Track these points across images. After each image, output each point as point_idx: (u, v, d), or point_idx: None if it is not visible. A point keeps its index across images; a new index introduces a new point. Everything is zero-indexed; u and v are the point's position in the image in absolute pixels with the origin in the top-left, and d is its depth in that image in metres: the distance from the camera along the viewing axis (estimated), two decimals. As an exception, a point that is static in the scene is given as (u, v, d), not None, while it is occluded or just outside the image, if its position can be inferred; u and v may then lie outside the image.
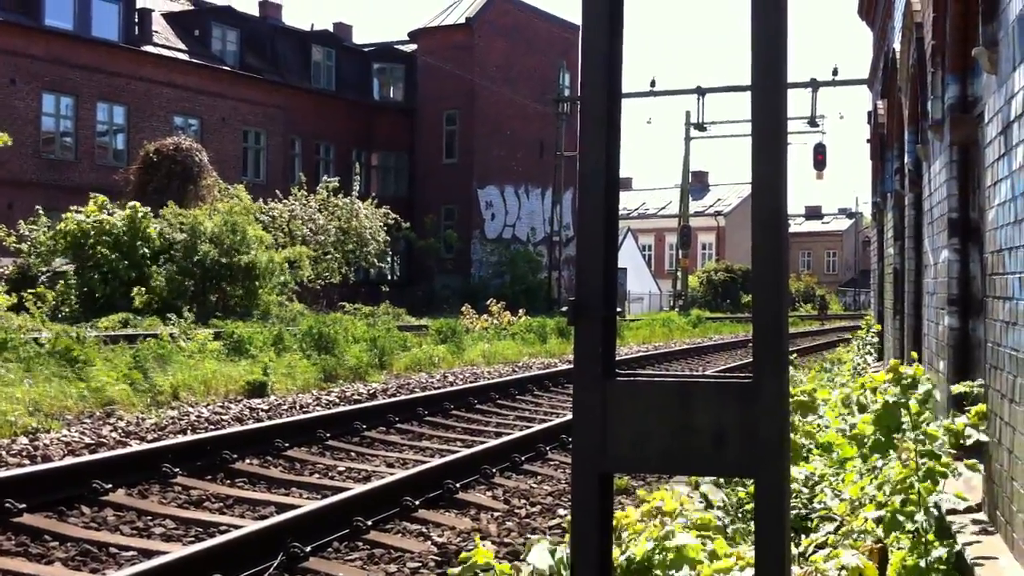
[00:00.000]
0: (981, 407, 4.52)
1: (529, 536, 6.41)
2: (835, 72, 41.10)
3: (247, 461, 8.49)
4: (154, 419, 10.32)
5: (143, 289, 21.55)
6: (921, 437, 4.28)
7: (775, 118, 2.07)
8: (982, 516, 5.07)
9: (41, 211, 24.38)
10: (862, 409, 4.91)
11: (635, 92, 42.39)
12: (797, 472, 5.27)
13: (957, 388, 4.70)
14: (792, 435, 5.58)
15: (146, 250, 23.33)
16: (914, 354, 4.55)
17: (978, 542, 4.60)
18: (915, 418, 4.29)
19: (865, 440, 4.46)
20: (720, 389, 2.14)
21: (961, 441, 4.52)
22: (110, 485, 7.04)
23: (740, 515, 5.11)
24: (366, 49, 49.58)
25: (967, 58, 5.96)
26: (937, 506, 4.27)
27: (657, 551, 3.71)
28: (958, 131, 6.57)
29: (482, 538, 6.38)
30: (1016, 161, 4.11)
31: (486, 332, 23.95)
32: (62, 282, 21.90)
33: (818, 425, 6.40)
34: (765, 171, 2.08)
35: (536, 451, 9.49)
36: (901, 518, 4.18)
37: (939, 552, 4.11)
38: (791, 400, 5.76)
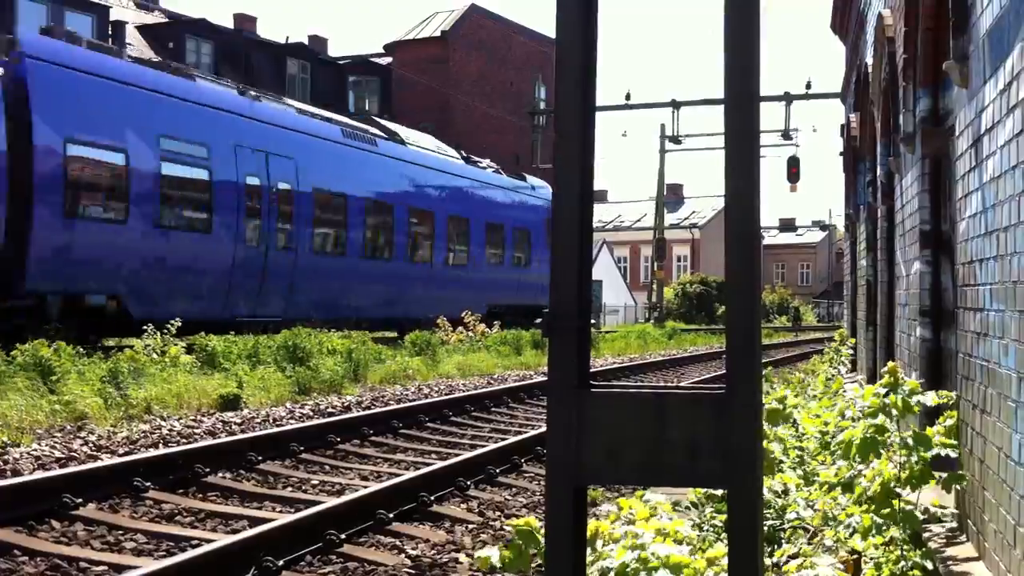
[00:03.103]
0: (952, 413, 4.55)
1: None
2: (808, 86, 41.42)
3: (220, 475, 8.42)
4: (126, 433, 10.23)
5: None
6: (909, 442, 4.30)
7: (748, 132, 2.09)
8: (953, 525, 5.11)
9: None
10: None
11: (610, 105, 42.54)
12: (770, 482, 5.29)
13: (932, 399, 4.73)
14: (765, 444, 5.59)
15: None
16: (894, 365, 4.57)
17: (950, 551, 4.63)
18: (914, 435, 4.32)
19: (852, 441, 4.47)
20: (694, 401, 2.14)
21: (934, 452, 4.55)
22: (80, 499, 6.97)
23: (711, 528, 5.12)
24: (341, 62, 49.54)
25: (938, 72, 6.03)
26: (912, 514, 4.29)
27: (637, 561, 3.69)
28: (929, 144, 6.64)
29: (456, 551, 6.36)
30: (987, 174, 4.15)
31: (461, 344, 23.93)
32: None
33: (794, 433, 6.43)
34: (738, 185, 2.09)
35: (511, 463, 9.47)
36: (881, 522, 4.20)
37: (915, 560, 4.13)
38: (765, 409, 5.78)
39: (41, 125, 15.94)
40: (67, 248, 16.43)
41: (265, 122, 21.47)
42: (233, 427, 11.10)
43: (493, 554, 3.70)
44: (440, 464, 8.70)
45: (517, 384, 16.74)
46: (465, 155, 31.79)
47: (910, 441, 4.28)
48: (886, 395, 4.41)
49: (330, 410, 12.97)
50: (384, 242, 25.40)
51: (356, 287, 24.04)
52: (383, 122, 29.28)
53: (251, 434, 9.85)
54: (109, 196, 17.60)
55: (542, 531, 3.71)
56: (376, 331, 24.00)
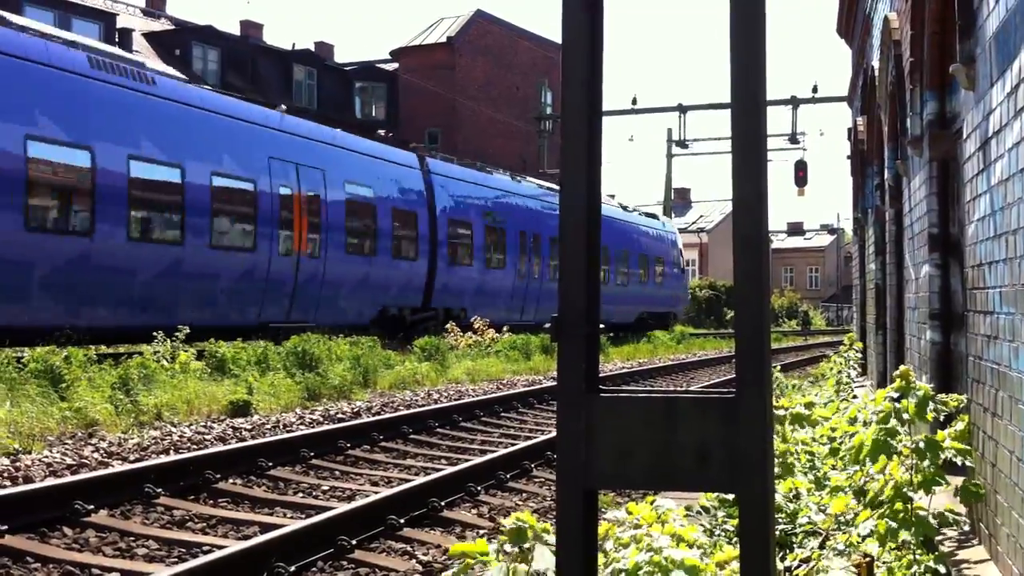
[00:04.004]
0: (964, 417, 4.54)
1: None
2: (815, 89, 41.45)
3: (230, 481, 8.44)
4: (137, 439, 10.26)
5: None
6: (920, 445, 4.29)
7: (755, 137, 2.09)
8: (965, 528, 5.10)
9: None
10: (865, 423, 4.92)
11: (617, 110, 42.66)
12: (786, 487, 5.28)
13: (947, 403, 4.71)
14: (784, 448, 5.58)
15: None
16: (906, 368, 4.56)
17: (962, 554, 4.63)
18: (925, 440, 4.30)
19: (862, 447, 4.46)
20: (703, 405, 2.14)
21: (944, 457, 4.54)
22: (92, 506, 6.99)
23: (722, 532, 5.11)
24: (348, 68, 49.63)
25: (945, 75, 6.02)
26: (925, 520, 4.28)
27: (650, 563, 3.69)
28: (937, 147, 6.63)
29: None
30: (995, 176, 4.15)
31: (470, 350, 23.93)
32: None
33: (812, 438, 6.41)
34: (746, 189, 2.09)
35: (521, 468, 9.48)
36: (896, 526, 4.18)
37: (927, 564, 4.12)
38: (788, 413, 5.77)
39: (440, 211, 27.27)
40: (447, 282, 27.49)
41: (519, 194, 32.23)
42: (243, 433, 11.12)
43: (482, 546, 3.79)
44: (450, 469, 8.71)
45: (526, 389, 16.74)
46: (621, 204, 41.70)
47: (921, 445, 4.27)
48: (898, 399, 4.41)
49: (340, 416, 12.98)
50: None
51: None
52: None
53: (261, 440, 9.87)
54: (465, 250, 28.86)
55: (537, 524, 3.75)
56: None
